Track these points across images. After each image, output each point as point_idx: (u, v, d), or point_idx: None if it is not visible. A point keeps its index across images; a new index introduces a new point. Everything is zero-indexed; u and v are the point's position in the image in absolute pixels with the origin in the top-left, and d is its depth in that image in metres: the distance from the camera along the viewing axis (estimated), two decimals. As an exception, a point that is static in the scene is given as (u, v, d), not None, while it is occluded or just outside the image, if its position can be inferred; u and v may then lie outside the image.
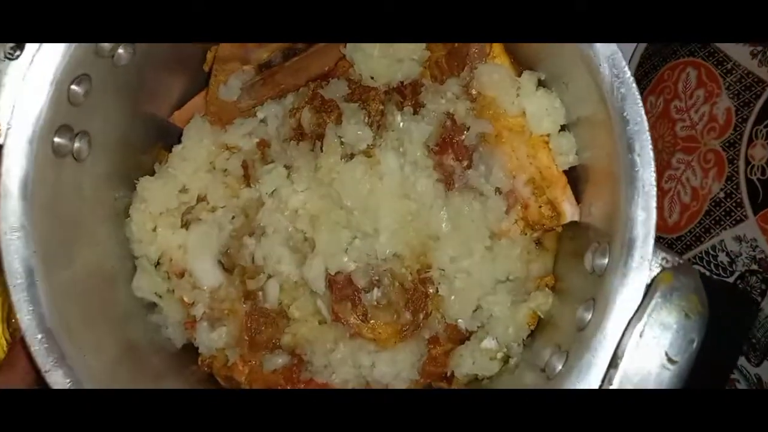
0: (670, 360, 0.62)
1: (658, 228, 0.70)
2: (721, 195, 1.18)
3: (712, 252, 1.18)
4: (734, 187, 1.16)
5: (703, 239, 1.19)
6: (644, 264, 0.70)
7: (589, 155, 0.86)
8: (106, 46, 0.81)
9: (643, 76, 1.37)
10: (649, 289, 0.66)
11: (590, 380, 0.69)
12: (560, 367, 0.75)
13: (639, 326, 0.64)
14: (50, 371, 0.73)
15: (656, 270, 0.71)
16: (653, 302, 0.64)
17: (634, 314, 0.65)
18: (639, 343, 0.63)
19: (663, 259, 0.71)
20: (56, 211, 0.81)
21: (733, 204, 1.15)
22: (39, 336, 0.74)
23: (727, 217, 1.16)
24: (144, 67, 0.91)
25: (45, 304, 0.76)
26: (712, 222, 1.18)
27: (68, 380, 0.75)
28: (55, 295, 0.78)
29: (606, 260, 0.74)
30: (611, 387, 0.64)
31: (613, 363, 0.64)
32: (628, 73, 0.72)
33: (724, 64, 1.22)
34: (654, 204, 0.71)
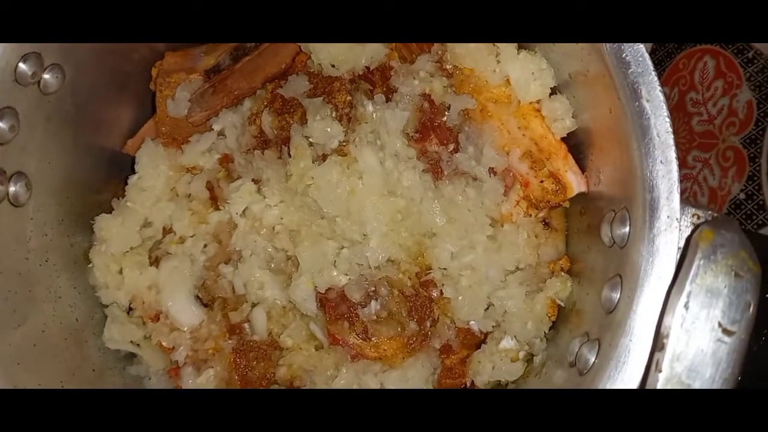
0: (725, 331, 0.52)
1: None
2: (742, 196, 1.06)
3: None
4: (756, 187, 1.05)
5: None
6: (673, 224, 0.60)
7: (589, 116, 0.77)
8: (27, 71, 0.72)
9: (656, 64, 1.25)
10: (686, 253, 0.56)
11: (632, 370, 0.60)
12: (593, 359, 0.65)
13: (682, 297, 0.53)
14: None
15: (688, 230, 0.60)
16: (695, 266, 0.53)
17: (673, 284, 0.55)
18: (685, 316, 0.53)
19: (694, 215, 0.61)
20: (-4, 266, 0.72)
21: (755, 206, 1.04)
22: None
23: (749, 221, 1.05)
24: (80, 94, 0.83)
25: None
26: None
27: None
28: (6, 363, 0.69)
29: (627, 228, 0.65)
30: (659, 374, 0.53)
31: (658, 345, 0.54)
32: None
33: (744, 52, 1.11)
34: (674, 154, 0.61)
